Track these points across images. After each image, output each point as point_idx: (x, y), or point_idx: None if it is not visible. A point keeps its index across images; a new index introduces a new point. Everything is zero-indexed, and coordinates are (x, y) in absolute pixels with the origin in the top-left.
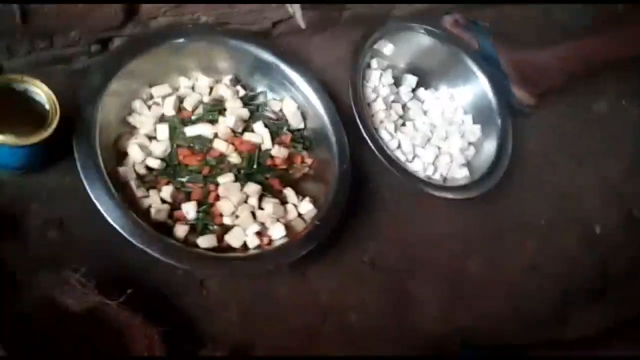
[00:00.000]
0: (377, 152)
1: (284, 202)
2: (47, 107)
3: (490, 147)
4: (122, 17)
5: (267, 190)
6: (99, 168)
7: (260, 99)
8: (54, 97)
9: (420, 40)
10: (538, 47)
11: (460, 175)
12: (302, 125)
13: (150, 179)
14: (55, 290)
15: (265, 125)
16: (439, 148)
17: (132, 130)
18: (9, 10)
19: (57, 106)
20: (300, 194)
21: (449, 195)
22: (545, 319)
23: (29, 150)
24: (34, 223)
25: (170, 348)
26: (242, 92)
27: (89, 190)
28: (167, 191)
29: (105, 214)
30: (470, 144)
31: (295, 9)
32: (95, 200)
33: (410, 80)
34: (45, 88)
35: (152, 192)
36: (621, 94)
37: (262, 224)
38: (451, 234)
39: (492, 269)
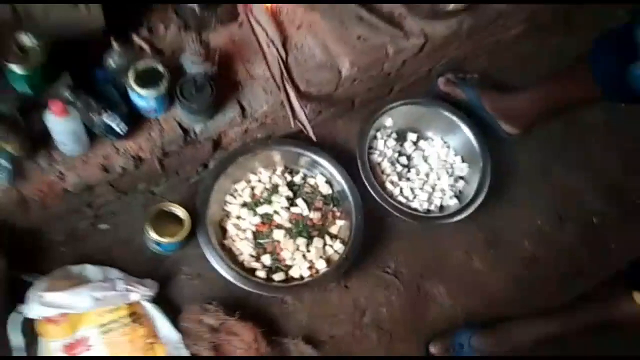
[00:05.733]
0: (381, 202)
1: (324, 243)
2: (184, 218)
3: (476, 179)
4: (211, 150)
5: (311, 239)
6: (211, 243)
7: (300, 180)
8: (187, 213)
9: (413, 109)
10: (515, 93)
11: (452, 203)
12: (330, 191)
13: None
14: (202, 314)
15: (304, 200)
16: (433, 187)
17: (228, 213)
18: (153, 165)
19: (189, 218)
20: (334, 236)
21: (445, 221)
22: (543, 300)
23: (176, 243)
24: (184, 276)
25: (268, 340)
26: (288, 178)
27: (208, 256)
28: (253, 251)
29: (218, 269)
30: (461, 178)
31: (306, 126)
32: (212, 262)
33: (412, 136)
34: (182, 209)
35: (244, 251)
36: None
37: (311, 261)
38: (453, 245)
39: (494, 264)
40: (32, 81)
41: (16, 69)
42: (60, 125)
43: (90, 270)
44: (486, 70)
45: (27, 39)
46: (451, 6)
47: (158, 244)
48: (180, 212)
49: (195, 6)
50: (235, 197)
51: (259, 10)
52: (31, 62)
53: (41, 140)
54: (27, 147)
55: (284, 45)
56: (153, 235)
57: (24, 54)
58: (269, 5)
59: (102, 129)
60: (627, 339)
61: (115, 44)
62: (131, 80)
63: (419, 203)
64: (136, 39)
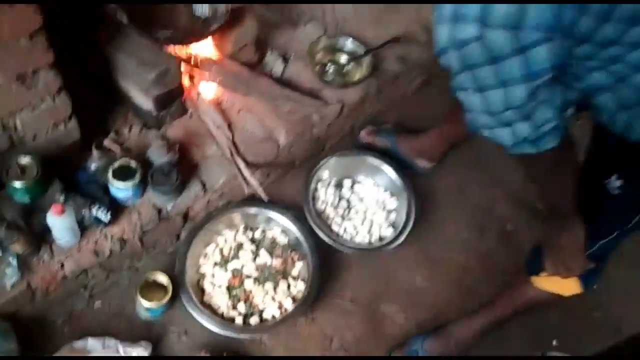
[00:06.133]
0: (330, 243)
1: (288, 285)
2: (166, 284)
3: (404, 209)
4: (182, 223)
5: (277, 283)
6: (193, 302)
7: (260, 234)
8: (169, 279)
9: (344, 160)
10: (423, 134)
11: (389, 233)
12: (287, 240)
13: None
14: None
15: (266, 250)
16: (371, 221)
17: (203, 274)
18: (134, 243)
19: (171, 283)
20: (296, 277)
21: (385, 249)
22: (479, 300)
23: (163, 306)
24: (173, 335)
25: None
26: (250, 235)
27: (191, 313)
28: (229, 302)
29: (201, 322)
30: (392, 210)
31: (258, 190)
32: (196, 318)
33: (347, 182)
34: (165, 276)
35: (221, 304)
36: None
37: (279, 302)
38: (397, 268)
39: (434, 278)
40: (30, 192)
41: (18, 184)
42: (59, 222)
43: (92, 342)
44: (399, 119)
45: (24, 159)
46: (357, 77)
47: (147, 309)
48: (163, 278)
49: (152, 109)
50: (207, 259)
51: (204, 102)
52: (29, 177)
53: (42, 238)
54: (31, 245)
55: (229, 127)
56: (143, 302)
57: (23, 172)
58: (211, 97)
59: (91, 221)
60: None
61: (94, 152)
62: (110, 178)
63: (362, 237)
64: (107, 143)
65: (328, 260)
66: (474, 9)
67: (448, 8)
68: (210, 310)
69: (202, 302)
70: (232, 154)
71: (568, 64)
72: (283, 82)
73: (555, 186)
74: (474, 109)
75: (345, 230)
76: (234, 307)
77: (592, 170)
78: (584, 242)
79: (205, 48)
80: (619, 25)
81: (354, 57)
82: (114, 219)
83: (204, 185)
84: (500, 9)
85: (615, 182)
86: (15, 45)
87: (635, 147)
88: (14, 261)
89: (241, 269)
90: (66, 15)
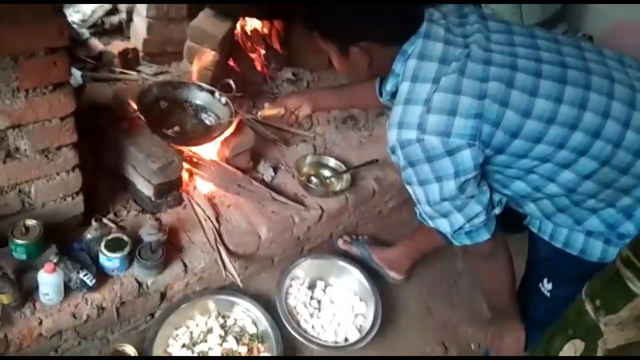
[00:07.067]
0: (296, 336)
1: None
2: (133, 355)
3: (371, 314)
4: (159, 301)
5: None
6: None
7: (231, 321)
8: (136, 351)
9: (319, 262)
10: (394, 247)
11: (354, 335)
12: (255, 330)
13: None
14: None
15: (234, 337)
16: (339, 322)
17: (170, 354)
18: (111, 313)
19: (137, 353)
20: None
21: (349, 349)
22: None
23: None
24: None
25: None
26: (221, 321)
27: None
28: None
29: None
30: (359, 315)
31: (235, 276)
32: None
33: (320, 284)
34: (133, 349)
35: None
36: None
37: None
38: None
39: None
40: (28, 251)
41: (19, 242)
42: (49, 279)
43: None
44: (373, 233)
45: (30, 222)
46: (337, 188)
47: None
48: (130, 351)
49: (151, 195)
50: (176, 340)
51: (198, 195)
52: (30, 237)
53: (28, 294)
54: (17, 299)
55: (217, 219)
56: None
57: (26, 231)
58: (205, 192)
59: (77, 284)
60: None
61: (93, 223)
62: (102, 247)
63: (328, 336)
64: (105, 220)
65: (293, 354)
66: (414, 118)
67: (397, 117)
68: None
69: None
70: (215, 242)
71: (494, 170)
72: (271, 187)
73: (491, 278)
74: (419, 201)
75: (313, 327)
76: None
77: (530, 275)
78: (524, 343)
79: (206, 150)
80: (527, 142)
81: (337, 172)
82: (98, 286)
83: (185, 267)
84: (433, 121)
85: (547, 285)
86: (49, 123)
87: (561, 252)
88: None
89: (207, 352)
90: (93, 108)
